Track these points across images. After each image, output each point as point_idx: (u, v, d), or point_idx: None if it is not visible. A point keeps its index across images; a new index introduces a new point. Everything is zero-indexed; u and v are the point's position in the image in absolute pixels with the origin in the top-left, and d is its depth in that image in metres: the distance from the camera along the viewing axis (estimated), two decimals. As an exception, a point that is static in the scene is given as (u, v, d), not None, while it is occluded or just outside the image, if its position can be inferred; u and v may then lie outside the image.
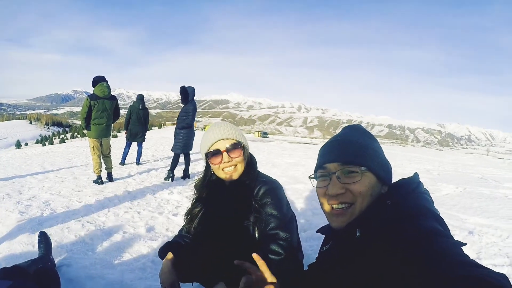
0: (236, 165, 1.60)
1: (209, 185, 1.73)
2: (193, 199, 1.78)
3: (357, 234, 0.97)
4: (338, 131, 1.35)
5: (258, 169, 1.74)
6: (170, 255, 1.67)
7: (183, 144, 6.08)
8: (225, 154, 1.58)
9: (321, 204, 1.13)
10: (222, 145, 1.59)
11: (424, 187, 1.05)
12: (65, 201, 4.16)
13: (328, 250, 1.18)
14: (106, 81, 5.53)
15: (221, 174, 1.63)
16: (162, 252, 1.72)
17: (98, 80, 5.46)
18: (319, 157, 1.17)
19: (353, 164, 1.03)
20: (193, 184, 1.82)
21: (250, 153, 1.74)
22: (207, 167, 1.73)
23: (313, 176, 1.18)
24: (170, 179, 5.94)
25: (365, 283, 0.85)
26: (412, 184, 1.02)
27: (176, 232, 3.27)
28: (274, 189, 1.61)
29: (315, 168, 1.19)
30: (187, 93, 5.99)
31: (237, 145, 1.60)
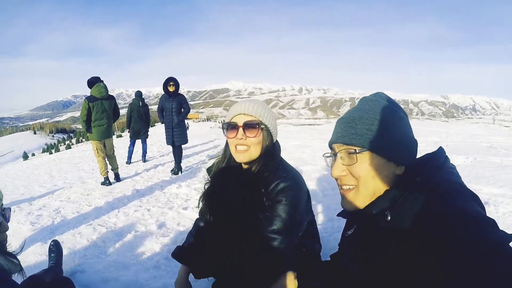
0: (249, 147, 1.47)
1: (224, 170, 1.63)
2: (206, 181, 1.68)
3: (388, 217, 0.91)
4: (341, 110, 1.28)
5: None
6: (184, 267, 1.67)
7: (186, 135, 6.11)
8: (240, 130, 1.46)
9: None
10: (241, 120, 1.47)
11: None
12: (75, 207, 4.16)
13: (353, 234, 1.13)
14: (102, 81, 5.46)
15: (233, 151, 1.52)
16: (175, 255, 1.70)
17: (94, 81, 5.38)
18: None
19: (353, 144, 0.99)
20: (207, 167, 1.73)
21: (276, 141, 1.60)
22: (226, 146, 1.63)
23: (326, 154, 1.14)
24: (180, 172, 5.96)
25: (397, 266, 0.81)
26: (439, 159, 0.97)
27: (187, 226, 3.28)
28: (293, 189, 1.45)
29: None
30: (179, 85, 5.99)
31: (255, 125, 1.46)
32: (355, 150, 0.98)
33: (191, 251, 1.68)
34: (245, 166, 1.55)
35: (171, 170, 6.09)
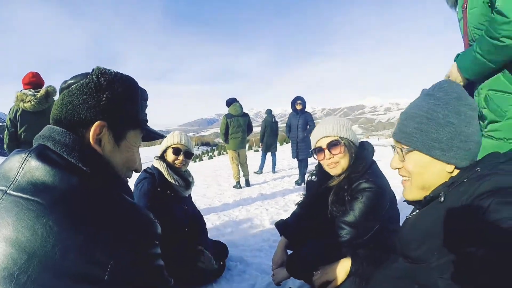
0: (338, 161, 1.68)
1: (319, 173, 1.93)
2: (309, 175, 2.02)
3: (442, 198, 0.96)
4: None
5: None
6: (283, 240, 2.01)
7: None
8: (326, 151, 1.69)
9: None
10: (324, 143, 1.70)
11: None
12: (208, 201, 5.08)
13: (413, 217, 1.17)
14: (238, 102, 6.49)
15: (327, 168, 1.75)
16: (278, 225, 2.07)
17: (231, 102, 6.47)
18: None
19: (401, 143, 1.06)
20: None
21: (368, 144, 1.77)
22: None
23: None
24: (303, 183, 6.36)
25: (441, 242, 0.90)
26: (504, 156, 0.94)
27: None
28: (372, 192, 1.59)
29: None
30: (305, 103, 6.54)
31: (337, 142, 1.67)
32: (403, 148, 1.05)
33: (290, 226, 2.04)
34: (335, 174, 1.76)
35: (296, 181, 6.54)
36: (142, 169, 2.08)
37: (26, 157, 0.72)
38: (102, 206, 0.71)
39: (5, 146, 3.71)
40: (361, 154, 1.72)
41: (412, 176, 1.04)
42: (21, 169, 0.70)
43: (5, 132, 3.70)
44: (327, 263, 1.61)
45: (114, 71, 0.86)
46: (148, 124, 0.96)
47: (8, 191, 0.67)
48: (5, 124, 3.79)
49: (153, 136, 0.99)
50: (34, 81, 3.74)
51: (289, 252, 1.97)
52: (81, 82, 0.82)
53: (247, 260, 2.59)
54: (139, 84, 0.92)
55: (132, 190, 0.98)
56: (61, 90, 0.85)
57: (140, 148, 0.96)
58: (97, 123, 0.80)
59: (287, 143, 19.16)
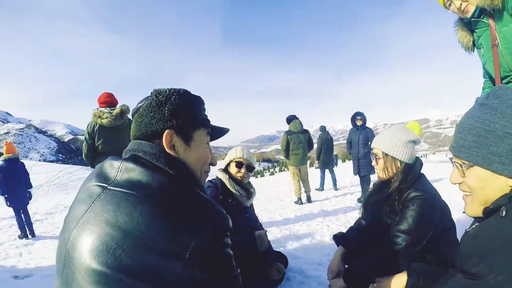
0: (378, 170, 1.93)
1: (377, 184, 2.11)
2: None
3: (503, 213, 0.90)
4: None
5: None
6: (340, 250, 2.11)
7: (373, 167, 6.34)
8: (374, 159, 1.96)
9: None
10: (373, 151, 1.97)
11: None
12: (270, 215, 5.24)
13: (471, 230, 1.10)
14: (298, 119, 6.65)
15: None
16: (336, 237, 2.19)
17: (292, 119, 6.65)
18: None
19: (459, 157, 1.01)
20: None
21: (418, 159, 1.92)
22: None
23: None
24: None
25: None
26: None
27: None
28: (422, 199, 1.70)
29: None
30: (365, 119, 6.52)
31: (374, 156, 1.94)
32: (462, 163, 0.99)
33: (347, 237, 2.15)
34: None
35: (358, 198, 6.41)
36: (207, 180, 2.32)
37: (123, 161, 0.93)
38: (186, 200, 0.89)
39: (83, 156, 4.26)
40: (410, 167, 1.85)
41: (474, 192, 0.99)
42: (119, 170, 0.91)
43: (84, 144, 4.24)
44: (384, 275, 1.64)
45: (168, 88, 1.02)
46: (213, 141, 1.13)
47: (108, 187, 0.88)
48: (82, 137, 4.37)
49: (218, 132, 1.16)
50: (108, 101, 4.30)
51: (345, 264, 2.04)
52: (145, 104, 1.00)
53: (307, 272, 2.68)
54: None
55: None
56: (133, 115, 1.03)
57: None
58: (166, 132, 0.96)
59: (349, 160, 18.65)
